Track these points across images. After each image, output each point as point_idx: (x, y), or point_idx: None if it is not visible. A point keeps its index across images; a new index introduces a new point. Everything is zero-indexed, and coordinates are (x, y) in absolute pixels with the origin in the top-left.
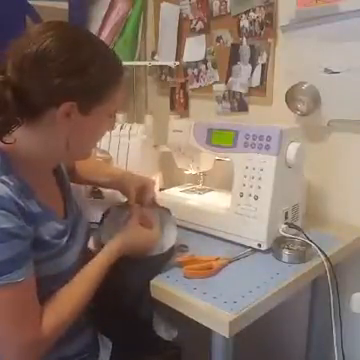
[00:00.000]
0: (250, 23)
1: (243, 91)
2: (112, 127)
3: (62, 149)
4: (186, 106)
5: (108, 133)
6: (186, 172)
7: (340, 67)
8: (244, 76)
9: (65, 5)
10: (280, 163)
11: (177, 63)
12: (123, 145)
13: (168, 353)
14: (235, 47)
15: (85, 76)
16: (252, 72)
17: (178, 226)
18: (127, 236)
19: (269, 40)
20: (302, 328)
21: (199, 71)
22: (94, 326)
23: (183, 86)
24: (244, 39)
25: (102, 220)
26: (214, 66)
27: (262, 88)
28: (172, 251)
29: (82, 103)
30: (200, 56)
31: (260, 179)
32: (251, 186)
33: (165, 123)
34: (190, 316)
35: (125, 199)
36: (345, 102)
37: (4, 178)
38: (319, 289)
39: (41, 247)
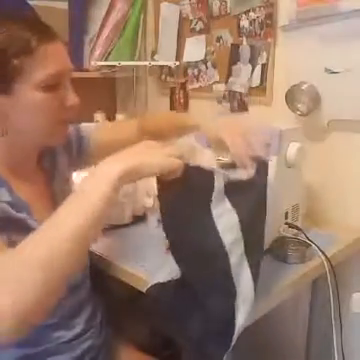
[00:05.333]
0: (250, 23)
1: (243, 91)
2: (67, 99)
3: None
4: (186, 106)
5: None
6: None
7: (340, 67)
8: (244, 76)
9: (65, 5)
10: (280, 163)
11: (177, 63)
12: None
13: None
14: (235, 47)
15: None
16: (252, 72)
17: None
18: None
19: (269, 40)
20: (302, 328)
21: (199, 71)
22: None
23: (183, 86)
24: (244, 39)
25: None
26: (214, 66)
27: (262, 88)
28: None
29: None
30: (200, 56)
31: None
32: None
33: None
34: None
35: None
36: (345, 102)
37: None
38: (319, 289)
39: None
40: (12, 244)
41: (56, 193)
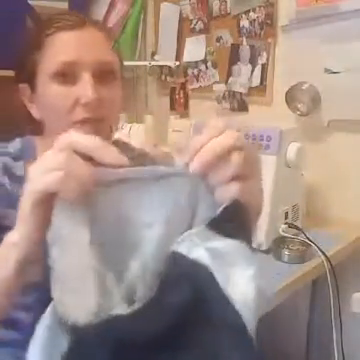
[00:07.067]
0: (250, 23)
1: (243, 91)
2: (82, 95)
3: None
4: (186, 106)
5: None
6: None
7: (340, 67)
8: (244, 76)
9: (65, 5)
10: (280, 163)
11: (177, 63)
12: None
13: None
14: (235, 47)
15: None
16: (252, 72)
17: None
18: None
19: (269, 40)
20: (302, 328)
21: (199, 71)
22: None
23: (183, 86)
24: (244, 39)
25: None
26: (214, 66)
27: (262, 88)
28: None
29: (30, 82)
30: (200, 56)
31: None
32: None
33: (165, 123)
34: None
35: None
36: (345, 102)
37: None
38: (319, 289)
39: None
40: None
41: None
